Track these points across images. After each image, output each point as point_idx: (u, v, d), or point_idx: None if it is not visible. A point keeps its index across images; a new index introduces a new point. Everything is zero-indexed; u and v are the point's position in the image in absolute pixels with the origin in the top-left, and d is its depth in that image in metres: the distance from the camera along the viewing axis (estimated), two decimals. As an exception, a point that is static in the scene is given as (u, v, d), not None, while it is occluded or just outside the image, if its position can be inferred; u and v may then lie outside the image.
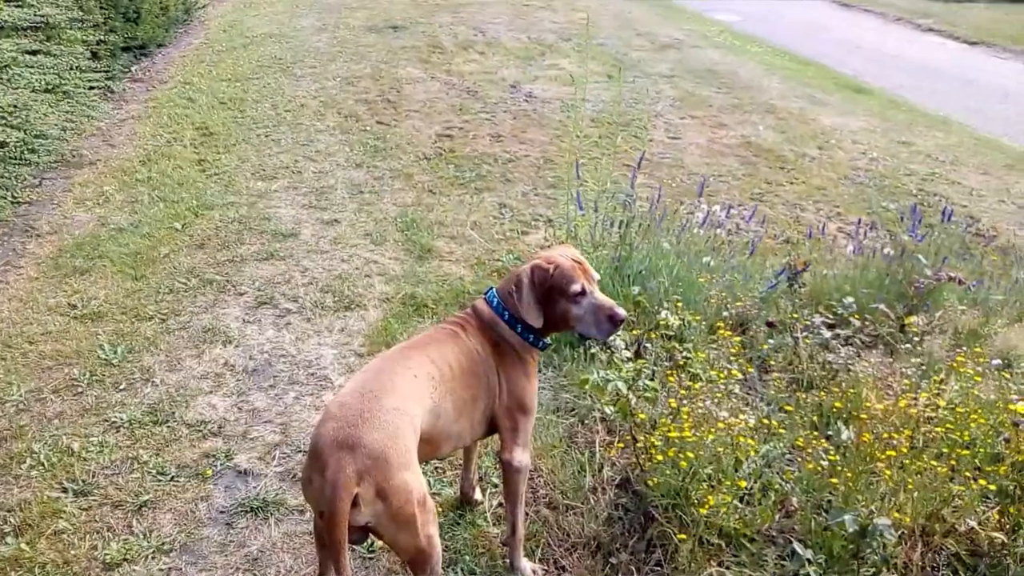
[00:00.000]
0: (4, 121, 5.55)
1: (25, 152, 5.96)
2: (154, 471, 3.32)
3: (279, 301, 4.68)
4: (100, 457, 3.39)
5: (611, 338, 3.19)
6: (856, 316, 4.10)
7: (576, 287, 2.64)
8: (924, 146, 8.10)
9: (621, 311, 2.66)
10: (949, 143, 8.31)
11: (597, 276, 2.77)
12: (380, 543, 3.00)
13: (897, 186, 6.88)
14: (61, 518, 3.06)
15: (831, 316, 4.16)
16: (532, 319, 2.68)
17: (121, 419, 3.61)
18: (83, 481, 3.25)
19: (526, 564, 2.95)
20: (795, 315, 3.95)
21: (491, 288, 2.86)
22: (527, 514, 3.17)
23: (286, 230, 5.56)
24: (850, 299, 4.20)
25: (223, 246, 5.31)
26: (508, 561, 2.95)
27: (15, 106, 5.77)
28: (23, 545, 2.92)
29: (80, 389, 3.83)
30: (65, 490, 3.21)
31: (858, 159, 7.53)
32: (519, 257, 5.29)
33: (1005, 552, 2.81)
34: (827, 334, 3.70)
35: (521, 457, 2.77)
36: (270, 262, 5.12)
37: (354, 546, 2.39)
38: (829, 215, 6.20)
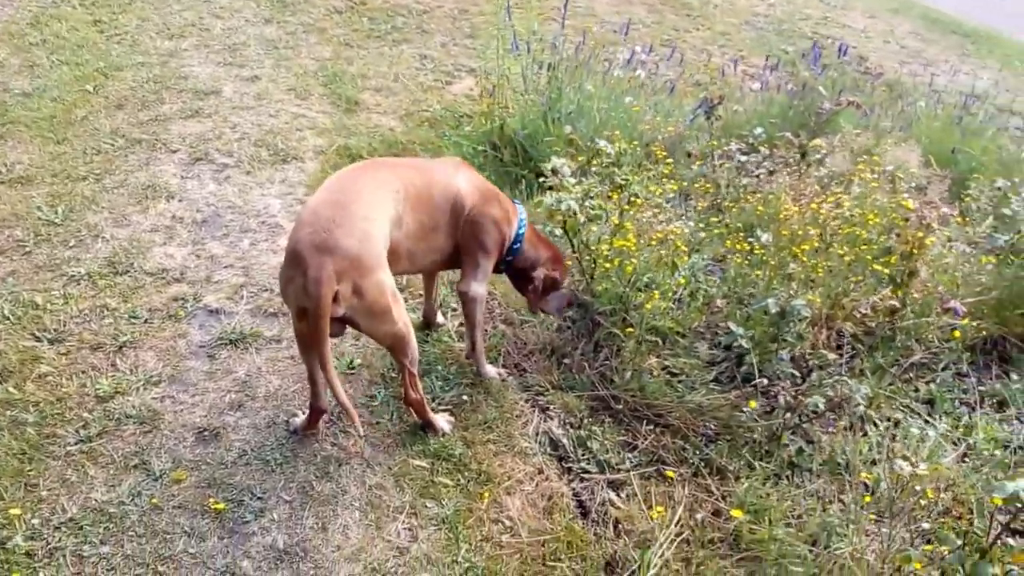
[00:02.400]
0: None
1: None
2: (126, 316, 3.44)
3: (214, 156, 4.68)
4: (67, 308, 3.47)
5: (559, 167, 3.46)
6: (764, 144, 4.50)
7: (562, 303, 3.33)
8: (817, -8, 8.48)
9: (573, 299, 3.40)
10: (840, -12, 8.71)
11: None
12: (360, 361, 3.30)
13: (794, 30, 7.26)
14: (42, 363, 3.17)
15: (743, 145, 4.55)
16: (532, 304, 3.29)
17: (79, 272, 3.67)
18: (55, 330, 3.34)
19: (491, 369, 3.32)
20: (713, 144, 4.30)
21: (523, 221, 3.18)
22: (487, 330, 3.51)
23: (206, 88, 5.45)
24: (759, 130, 4.59)
25: (143, 106, 5.18)
26: (475, 368, 3.30)
27: None
28: (11, 389, 3.04)
29: (28, 248, 3.83)
30: (39, 339, 3.30)
31: (757, 5, 7.85)
32: (448, 108, 5.43)
33: (892, 325, 3.36)
34: (743, 158, 4.07)
35: (477, 289, 3.09)
36: (196, 119, 5.06)
37: (333, 338, 2.68)
38: (734, 58, 6.53)
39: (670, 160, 3.93)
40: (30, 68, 5.63)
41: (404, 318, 2.66)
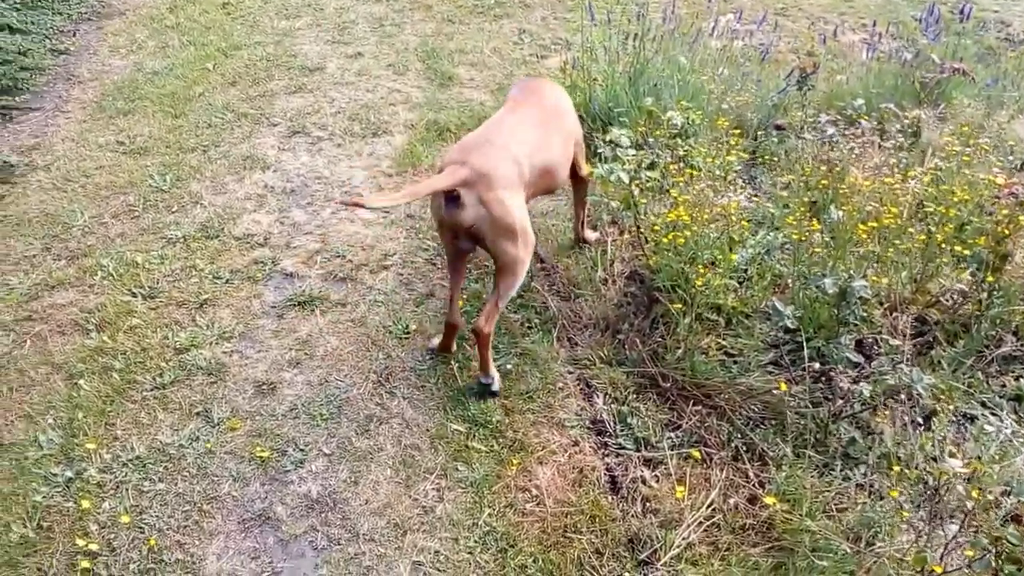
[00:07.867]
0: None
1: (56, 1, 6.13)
2: (210, 276, 3.71)
3: (310, 130, 4.92)
4: (161, 267, 3.78)
5: (617, 138, 3.40)
6: (864, 116, 4.19)
7: None
8: (965, -47, 7.73)
9: None
10: (993, -52, 7.90)
11: None
12: (415, 327, 3.40)
13: (929, -5, 6.66)
14: (133, 316, 3.48)
15: (840, 117, 4.26)
16: None
17: (176, 235, 3.98)
18: (149, 287, 3.65)
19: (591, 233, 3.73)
20: (802, 114, 4.06)
21: None
22: (548, 304, 3.50)
23: (312, 65, 5.72)
24: (860, 101, 4.28)
25: (254, 83, 5.51)
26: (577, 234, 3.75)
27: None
28: (105, 338, 3.36)
29: (136, 213, 4.19)
30: (134, 295, 3.62)
31: (890, -31, 7.26)
32: (539, 81, 5.41)
33: (980, 313, 3.08)
34: (831, 131, 3.82)
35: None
36: (299, 95, 5.33)
37: (464, 252, 3.06)
38: (854, 27, 6.11)
39: (737, 130, 3.74)
40: (162, 49, 6.12)
41: (524, 250, 2.92)
